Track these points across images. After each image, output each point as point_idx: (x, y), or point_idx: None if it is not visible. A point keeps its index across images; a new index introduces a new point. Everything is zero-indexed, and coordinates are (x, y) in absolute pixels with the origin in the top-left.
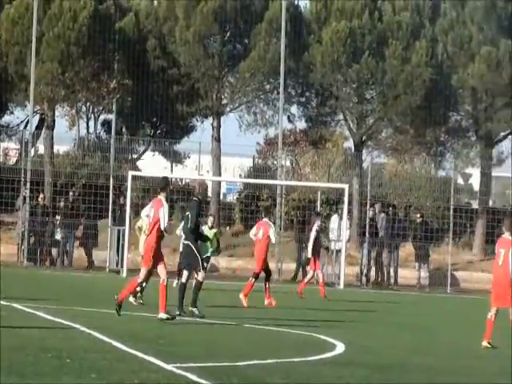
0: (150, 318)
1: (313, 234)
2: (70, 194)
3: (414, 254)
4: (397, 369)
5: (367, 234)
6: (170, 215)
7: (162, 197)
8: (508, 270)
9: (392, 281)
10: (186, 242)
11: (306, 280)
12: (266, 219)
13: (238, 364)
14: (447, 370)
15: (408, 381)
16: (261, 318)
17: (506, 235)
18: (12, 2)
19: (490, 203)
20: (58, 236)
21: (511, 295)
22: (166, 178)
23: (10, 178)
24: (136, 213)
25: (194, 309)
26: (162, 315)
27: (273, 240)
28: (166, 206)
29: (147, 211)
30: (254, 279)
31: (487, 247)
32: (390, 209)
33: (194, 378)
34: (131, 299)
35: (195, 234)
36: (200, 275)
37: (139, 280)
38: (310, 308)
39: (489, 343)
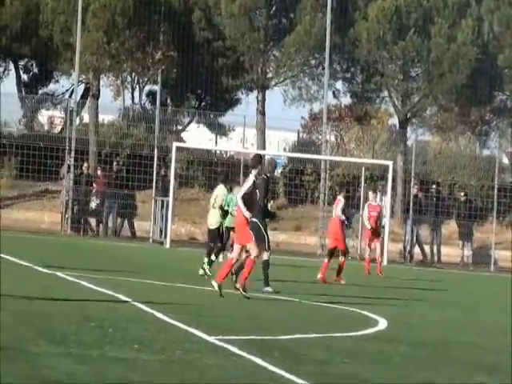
0: (194, 290)
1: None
2: (114, 163)
3: (458, 232)
4: (440, 346)
5: (411, 211)
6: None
7: (252, 175)
8: None
9: (435, 258)
10: (254, 220)
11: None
12: (340, 196)
13: (279, 338)
14: (491, 349)
15: (452, 358)
16: (304, 294)
17: None
18: None
19: None
20: (94, 205)
21: None
22: (259, 156)
23: (54, 147)
24: (180, 184)
25: (268, 288)
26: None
27: (340, 217)
28: (249, 182)
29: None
30: (343, 257)
31: None
32: (434, 186)
33: (235, 350)
34: (202, 271)
35: (263, 213)
36: (265, 254)
37: (253, 256)
38: (354, 284)
39: None
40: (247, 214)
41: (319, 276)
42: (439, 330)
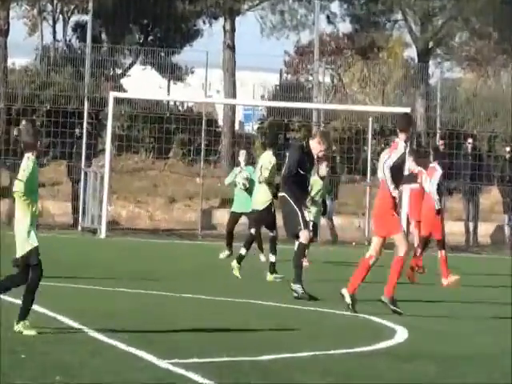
0: (142, 295)
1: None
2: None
3: (502, 203)
4: (485, 361)
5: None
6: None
7: (400, 140)
8: None
9: (471, 239)
10: (281, 194)
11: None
12: (434, 163)
13: (260, 358)
14: None
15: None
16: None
17: None
18: None
19: None
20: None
21: None
22: (408, 116)
23: None
24: (119, 149)
25: (298, 286)
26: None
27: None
28: (399, 150)
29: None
30: (443, 250)
31: None
32: (469, 141)
33: (197, 378)
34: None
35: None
36: (303, 235)
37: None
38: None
39: None
40: (395, 193)
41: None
42: (484, 340)
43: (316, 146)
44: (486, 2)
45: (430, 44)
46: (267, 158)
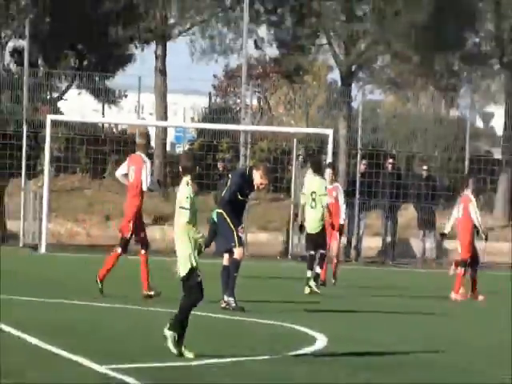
0: (81, 307)
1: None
2: None
3: (417, 219)
4: (397, 367)
5: (357, 193)
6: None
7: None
8: None
9: (390, 254)
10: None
11: None
12: (467, 192)
13: (188, 364)
14: (456, 368)
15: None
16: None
17: None
18: None
19: None
20: None
21: None
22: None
23: None
24: (57, 169)
25: (231, 299)
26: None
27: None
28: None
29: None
30: (462, 269)
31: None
32: (389, 161)
33: (131, 381)
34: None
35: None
36: (237, 252)
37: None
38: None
39: None
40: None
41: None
42: (396, 347)
43: (258, 178)
44: (408, 26)
45: (353, 67)
46: (319, 182)
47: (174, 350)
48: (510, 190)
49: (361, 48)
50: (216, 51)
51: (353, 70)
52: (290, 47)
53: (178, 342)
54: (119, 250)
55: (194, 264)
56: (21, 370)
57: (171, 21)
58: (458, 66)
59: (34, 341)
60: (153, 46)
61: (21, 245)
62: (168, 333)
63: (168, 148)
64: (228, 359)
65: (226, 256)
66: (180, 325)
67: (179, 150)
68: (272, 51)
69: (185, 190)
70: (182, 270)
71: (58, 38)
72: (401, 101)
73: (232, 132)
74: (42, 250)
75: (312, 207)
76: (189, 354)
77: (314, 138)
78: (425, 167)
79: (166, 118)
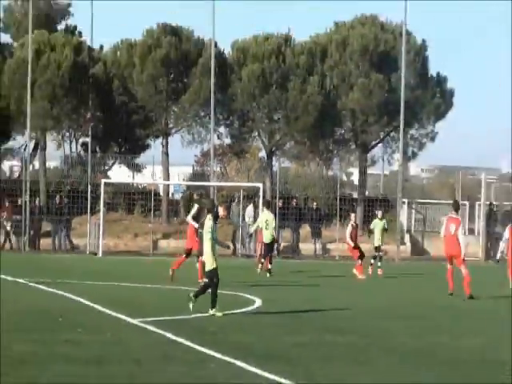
0: (124, 287)
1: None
2: (57, 197)
3: (311, 232)
4: (305, 316)
5: (277, 219)
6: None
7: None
8: (456, 238)
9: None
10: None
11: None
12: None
13: (186, 317)
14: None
15: (308, 323)
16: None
17: (454, 214)
18: (12, 56)
19: (366, 193)
20: (49, 228)
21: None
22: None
23: (13, 187)
24: (108, 209)
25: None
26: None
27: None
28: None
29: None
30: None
31: (364, 226)
32: (294, 201)
33: (153, 328)
34: None
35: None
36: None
37: None
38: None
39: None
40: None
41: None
42: (301, 305)
43: (221, 211)
44: (303, 125)
45: (273, 149)
46: (270, 215)
47: (191, 309)
48: (362, 215)
49: (277, 138)
50: (196, 141)
51: (273, 150)
52: (238, 138)
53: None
54: (184, 256)
55: (215, 266)
56: (97, 326)
57: (170, 125)
58: (332, 146)
59: (97, 306)
60: (160, 139)
61: (87, 252)
62: (192, 298)
63: (170, 195)
64: (206, 314)
65: None
66: (200, 294)
67: (176, 196)
68: (227, 140)
69: (208, 223)
70: (207, 267)
71: (107, 136)
72: (300, 166)
73: (206, 186)
74: (100, 254)
75: (266, 229)
76: (218, 313)
77: (252, 189)
78: (315, 203)
79: (168, 179)
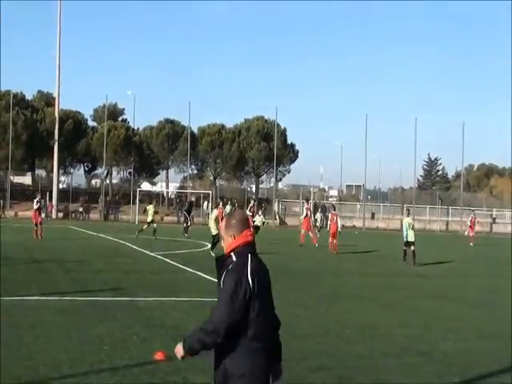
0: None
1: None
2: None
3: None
4: None
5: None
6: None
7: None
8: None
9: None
10: None
11: None
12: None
13: (182, 251)
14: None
15: None
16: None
17: (333, 211)
18: (97, 131)
19: (259, 196)
20: None
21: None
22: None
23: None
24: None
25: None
26: None
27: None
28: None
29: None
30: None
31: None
32: (225, 199)
33: (173, 262)
34: None
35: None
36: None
37: None
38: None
39: None
40: None
41: None
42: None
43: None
44: (230, 167)
45: (216, 175)
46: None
47: (212, 254)
48: (257, 205)
49: (218, 171)
50: (180, 172)
51: (216, 176)
52: (201, 171)
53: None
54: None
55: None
56: (142, 269)
57: (169, 164)
58: (243, 175)
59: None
60: (164, 171)
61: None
62: (210, 251)
63: (169, 195)
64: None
65: None
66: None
67: (172, 196)
68: (195, 171)
69: (214, 211)
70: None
71: (141, 170)
72: (229, 183)
73: (185, 192)
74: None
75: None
76: (213, 253)
77: (208, 194)
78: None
79: (168, 188)
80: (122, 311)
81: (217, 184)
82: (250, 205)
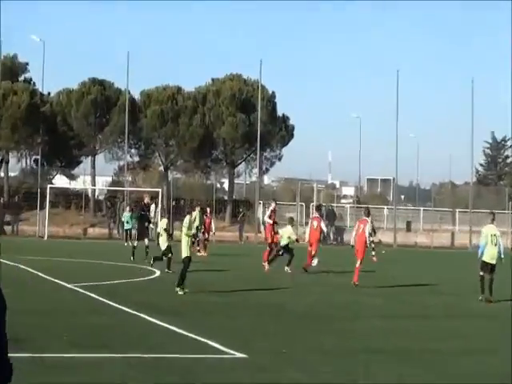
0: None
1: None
2: (16, 197)
3: None
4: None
5: (171, 214)
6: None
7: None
8: (363, 235)
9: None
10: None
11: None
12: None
13: (108, 282)
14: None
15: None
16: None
17: (365, 217)
18: None
19: (234, 197)
20: None
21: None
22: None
23: None
24: (53, 205)
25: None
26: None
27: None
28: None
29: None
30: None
31: (232, 219)
32: (182, 200)
33: (85, 292)
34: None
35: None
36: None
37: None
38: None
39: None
40: None
41: None
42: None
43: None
44: (190, 149)
45: (169, 165)
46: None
47: (180, 293)
48: (231, 211)
49: (171, 157)
50: (114, 159)
51: (168, 166)
52: (144, 157)
53: (179, 285)
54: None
55: (188, 254)
56: (40, 288)
57: (97, 148)
58: (210, 163)
59: (44, 276)
60: (89, 157)
61: (36, 236)
62: (177, 288)
63: (96, 197)
64: (119, 280)
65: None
66: (181, 280)
67: (100, 197)
68: (137, 158)
69: (185, 219)
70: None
71: (52, 155)
72: (188, 177)
73: (121, 190)
74: (45, 238)
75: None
76: (181, 292)
77: (155, 193)
78: (198, 208)
79: (95, 185)
80: (21, 371)
81: (169, 178)
82: (271, 208)
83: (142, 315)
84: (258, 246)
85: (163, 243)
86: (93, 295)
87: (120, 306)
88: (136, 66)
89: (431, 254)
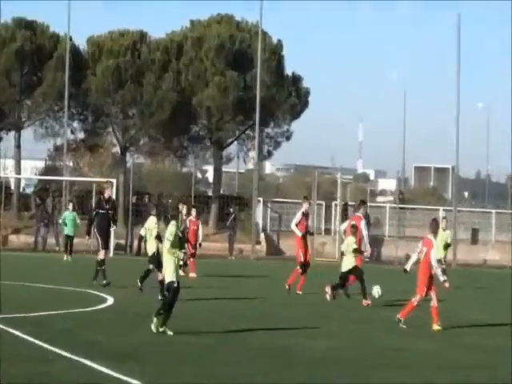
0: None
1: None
2: None
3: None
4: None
5: (130, 216)
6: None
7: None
8: (428, 264)
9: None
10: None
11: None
12: (358, 214)
13: (31, 314)
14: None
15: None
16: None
17: (429, 236)
18: None
19: (221, 191)
20: None
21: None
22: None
23: None
24: None
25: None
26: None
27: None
28: None
29: None
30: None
31: (219, 223)
32: (147, 196)
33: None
34: None
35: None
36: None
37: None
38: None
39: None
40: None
41: None
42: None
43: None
44: (157, 121)
45: (127, 144)
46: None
47: (170, 333)
48: (217, 211)
49: (131, 133)
50: (49, 135)
51: (127, 145)
52: (92, 133)
53: (162, 323)
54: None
55: (174, 279)
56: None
57: (23, 119)
58: (187, 143)
59: None
60: (13, 132)
61: None
62: (154, 318)
63: (21, 190)
64: (54, 312)
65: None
66: (163, 311)
67: (28, 190)
68: (81, 135)
69: (171, 227)
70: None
71: None
72: (155, 162)
73: (58, 181)
74: None
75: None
76: (169, 332)
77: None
78: (170, 200)
79: (19, 173)
80: None
81: (128, 163)
82: (302, 210)
83: (87, 362)
84: (257, 262)
85: (151, 248)
86: (17, 333)
87: (55, 349)
88: (82, 2)
89: (507, 277)
